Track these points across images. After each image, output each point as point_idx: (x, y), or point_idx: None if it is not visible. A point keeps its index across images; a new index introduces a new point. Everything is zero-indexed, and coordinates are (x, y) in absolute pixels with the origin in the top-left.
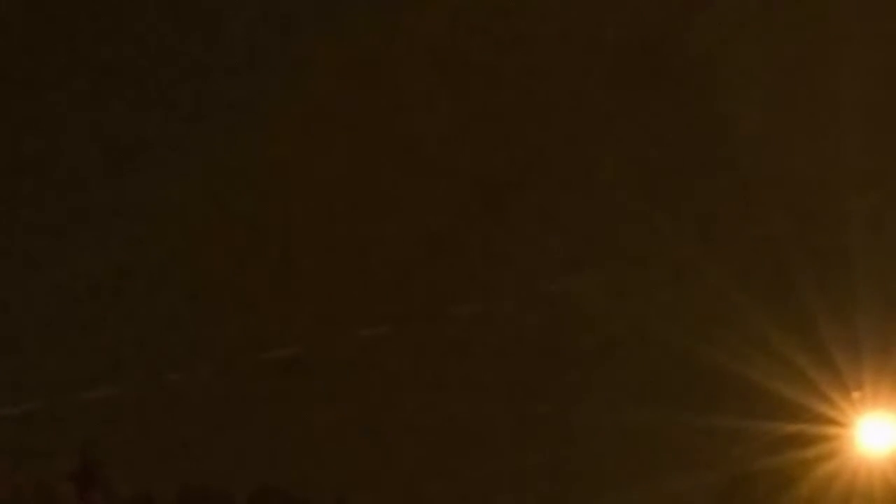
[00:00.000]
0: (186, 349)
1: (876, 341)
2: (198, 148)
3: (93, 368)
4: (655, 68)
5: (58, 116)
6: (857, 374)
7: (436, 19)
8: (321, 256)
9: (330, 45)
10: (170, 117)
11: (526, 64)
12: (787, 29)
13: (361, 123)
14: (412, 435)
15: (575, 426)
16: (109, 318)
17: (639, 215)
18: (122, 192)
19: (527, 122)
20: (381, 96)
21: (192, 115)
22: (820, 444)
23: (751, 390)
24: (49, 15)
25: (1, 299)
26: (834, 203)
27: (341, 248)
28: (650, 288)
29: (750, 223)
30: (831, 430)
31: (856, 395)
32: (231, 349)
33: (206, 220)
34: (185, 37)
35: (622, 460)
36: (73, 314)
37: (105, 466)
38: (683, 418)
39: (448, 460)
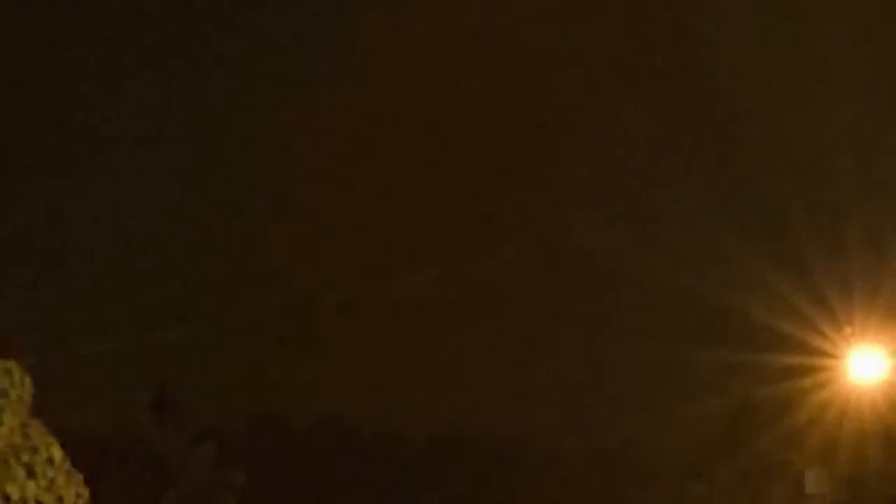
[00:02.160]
0: (252, 294)
1: (865, 283)
2: (256, 110)
3: (168, 311)
4: (666, 42)
5: (107, 91)
6: (849, 312)
7: (470, 5)
8: (369, 211)
9: (375, 22)
10: (212, 88)
11: (550, 43)
12: (786, 6)
13: (410, 93)
14: (453, 368)
15: (599, 358)
16: (180, 267)
17: (654, 178)
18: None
19: (554, 96)
20: (427, 69)
21: (237, 85)
22: (816, 374)
23: (754, 327)
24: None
25: (86, 254)
26: (827, 162)
27: (387, 203)
28: (667, 241)
29: (753, 181)
30: (826, 362)
31: (847, 330)
32: (289, 293)
33: (267, 179)
34: (242, 9)
35: (640, 388)
36: (147, 263)
37: (180, 398)
38: (695, 352)
39: (485, 387)
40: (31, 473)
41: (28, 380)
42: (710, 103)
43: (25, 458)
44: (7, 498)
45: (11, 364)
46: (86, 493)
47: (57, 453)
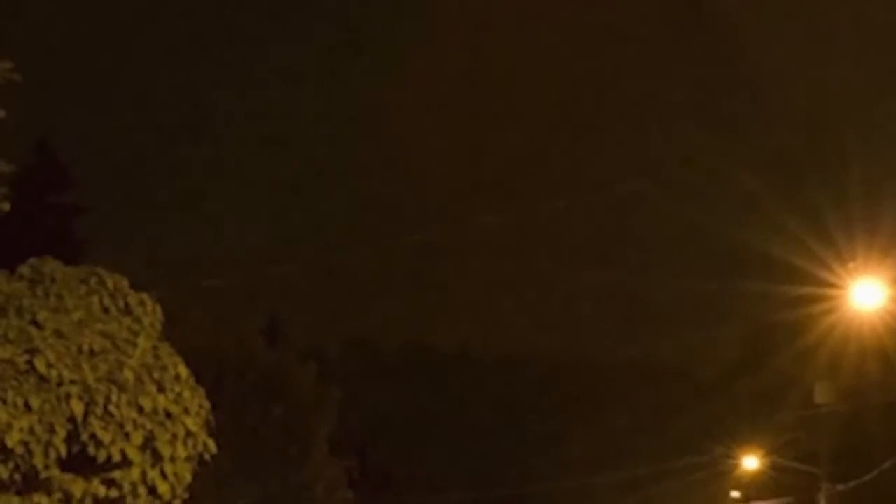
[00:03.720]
0: (346, 238)
1: (866, 225)
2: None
3: (277, 252)
4: (701, 19)
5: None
6: (852, 249)
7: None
8: (446, 166)
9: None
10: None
11: (595, 22)
12: None
13: (484, 70)
14: (516, 297)
15: (639, 289)
16: (288, 215)
17: (685, 135)
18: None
19: (603, 67)
20: (498, 46)
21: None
22: (823, 302)
23: (772, 262)
24: None
25: (209, 207)
26: (832, 117)
27: (460, 160)
28: (697, 189)
29: (769, 137)
30: (831, 292)
31: (850, 265)
32: (378, 236)
33: (363, 151)
34: None
35: (675, 315)
36: (259, 215)
37: (287, 325)
38: (720, 283)
39: (543, 315)
40: (160, 388)
41: (158, 308)
42: (736, 71)
43: (156, 375)
44: (140, 409)
45: (144, 295)
46: (207, 404)
47: (183, 371)
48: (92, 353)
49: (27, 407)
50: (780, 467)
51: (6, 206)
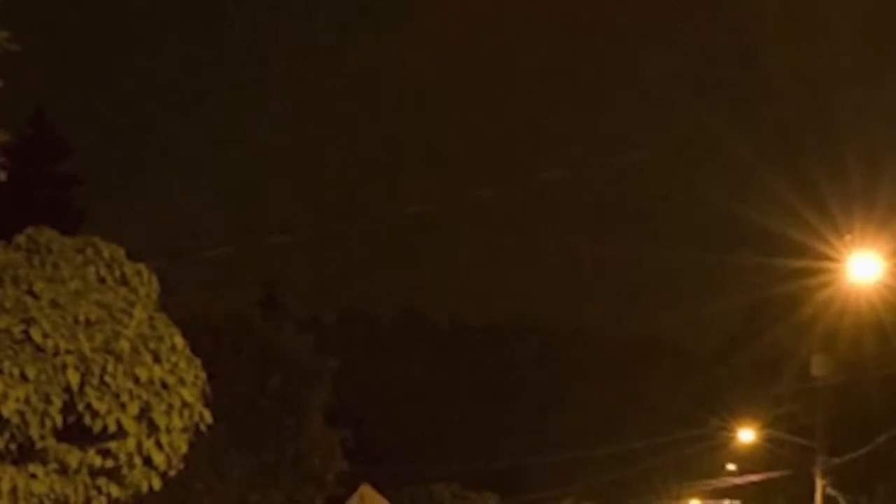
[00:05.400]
0: (344, 208)
1: (863, 197)
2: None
3: (273, 222)
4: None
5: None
6: (849, 222)
7: None
8: (446, 136)
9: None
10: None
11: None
12: None
13: (480, 46)
14: (512, 268)
15: (638, 260)
16: (285, 186)
17: (684, 103)
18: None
19: (602, 35)
20: (502, 27)
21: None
22: (820, 275)
23: (769, 235)
24: None
25: (206, 178)
26: (830, 91)
27: (462, 127)
28: (694, 160)
29: (770, 109)
30: (829, 265)
31: (847, 238)
32: (375, 207)
33: (359, 126)
34: None
35: (674, 287)
36: (255, 185)
37: (283, 295)
38: (718, 256)
39: (539, 285)
40: (156, 359)
41: (154, 279)
42: (737, 48)
43: (152, 345)
44: (136, 379)
45: (141, 266)
46: (203, 375)
47: (179, 341)
48: (88, 323)
49: (23, 377)
50: (776, 440)
51: (3, 176)
